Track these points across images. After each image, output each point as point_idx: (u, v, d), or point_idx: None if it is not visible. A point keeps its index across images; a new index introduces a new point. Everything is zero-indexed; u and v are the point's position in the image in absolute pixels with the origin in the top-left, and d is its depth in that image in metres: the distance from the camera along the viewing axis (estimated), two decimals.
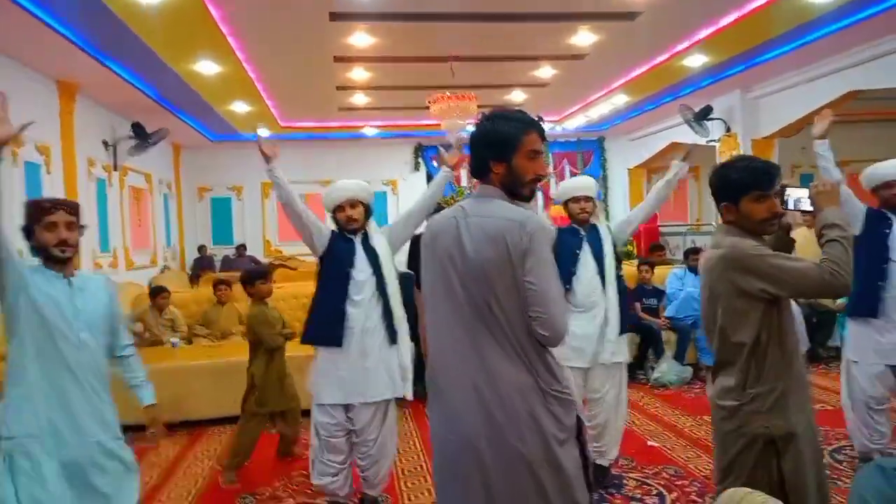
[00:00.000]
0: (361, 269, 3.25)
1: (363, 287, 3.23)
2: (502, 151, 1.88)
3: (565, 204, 3.81)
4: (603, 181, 13.30)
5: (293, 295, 6.97)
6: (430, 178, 12.84)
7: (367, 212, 3.38)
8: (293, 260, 10.43)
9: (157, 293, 6.33)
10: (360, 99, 9.08)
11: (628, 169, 12.95)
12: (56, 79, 6.84)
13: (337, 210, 3.34)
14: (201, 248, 11.74)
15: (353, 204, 3.31)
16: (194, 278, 9.86)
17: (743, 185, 2.08)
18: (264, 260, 10.97)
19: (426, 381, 1.99)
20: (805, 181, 7.06)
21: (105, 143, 8.25)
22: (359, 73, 7.69)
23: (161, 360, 5.33)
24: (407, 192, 12.77)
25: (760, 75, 8.25)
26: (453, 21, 5.95)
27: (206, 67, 6.89)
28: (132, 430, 4.80)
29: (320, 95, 8.71)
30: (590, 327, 3.53)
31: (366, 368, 3.21)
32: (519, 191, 1.91)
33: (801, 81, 8.06)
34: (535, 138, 1.90)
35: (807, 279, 1.96)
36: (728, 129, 9.36)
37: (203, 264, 11.34)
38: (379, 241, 3.36)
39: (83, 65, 6.33)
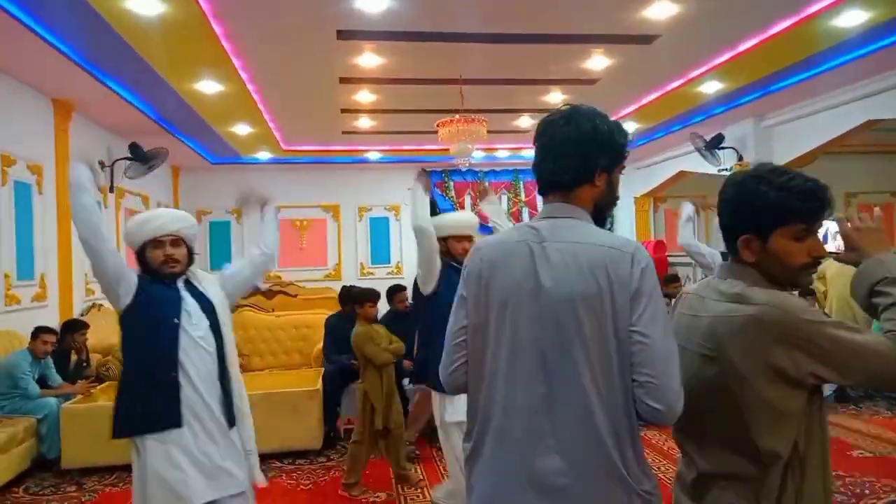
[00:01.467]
0: (194, 324, 2.56)
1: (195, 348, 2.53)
2: (613, 158, 1.51)
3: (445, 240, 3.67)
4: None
5: (293, 324, 6.68)
6: (433, 204, 12.63)
7: (190, 252, 2.72)
8: (293, 286, 10.14)
9: None
10: (364, 122, 8.88)
11: (635, 197, 12.74)
12: (51, 97, 6.62)
13: (149, 246, 2.63)
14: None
15: (175, 241, 2.64)
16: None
17: (781, 213, 1.37)
18: (262, 286, 10.66)
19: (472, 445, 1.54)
20: None
21: (101, 164, 8.00)
22: (364, 96, 7.48)
23: None
24: (410, 217, 12.53)
25: (775, 103, 8.07)
26: (464, 42, 5.75)
27: (208, 87, 6.68)
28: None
29: (324, 118, 8.51)
30: None
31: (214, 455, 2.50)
32: (608, 212, 1.56)
33: (817, 110, 7.88)
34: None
35: (882, 361, 1.27)
36: (740, 158, 9.15)
37: None
38: (213, 290, 2.71)
39: (80, 82, 6.11)
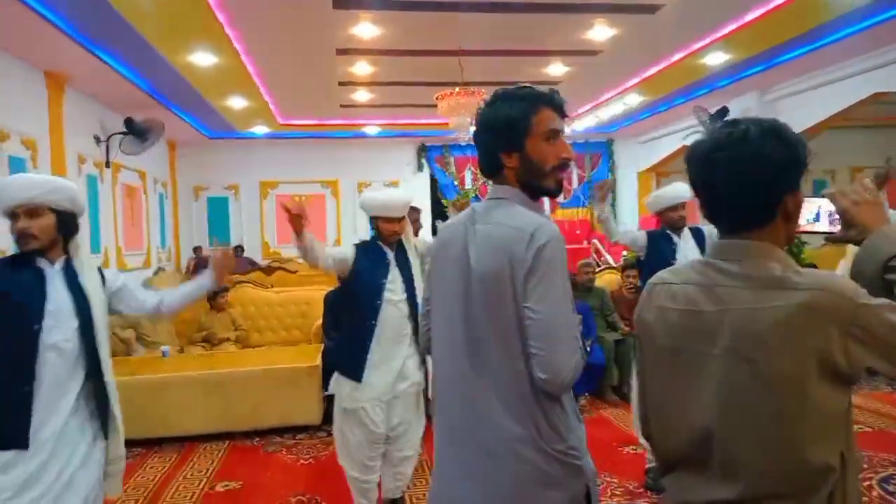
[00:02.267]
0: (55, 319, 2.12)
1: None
2: (511, 138, 1.54)
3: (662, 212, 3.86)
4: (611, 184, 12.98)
5: (292, 300, 6.65)
6: (433, 180, 12.53)
7: (63, 224, 2.20)
8: (292, 262, 10.09)
9: None
10: (362, 96, 8.75)
11: (638, 172, 12.64)
12: (44, 69, 6.49)
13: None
14: (196, 250, 11.39)
15: (30, 211, 2.14)
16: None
17: (799, 171, 1.22)
18: (262, 262, 10.61)
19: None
20: (819, 188, 6.74)
21: (96, 138, 7.90)
22: (362, 68, 7.35)
23: (149, 371, 5.00)
24: (409, 193, 12.43)
25: (780, 75, 7.94)
26: (464, 11, 5.62)
27: (202, 59, 6.55)
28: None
29: (321, 91, 8.37)
30: None
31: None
32: (542, 184, 1.56)
33: (822, 83, 7.75)
34: (549, 115, 1.55)
35: None
36: None
37: (198, 266, 10.99)
38: (90, 274, 2.27)
39: (72, 54, 5.98)
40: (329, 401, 5.19)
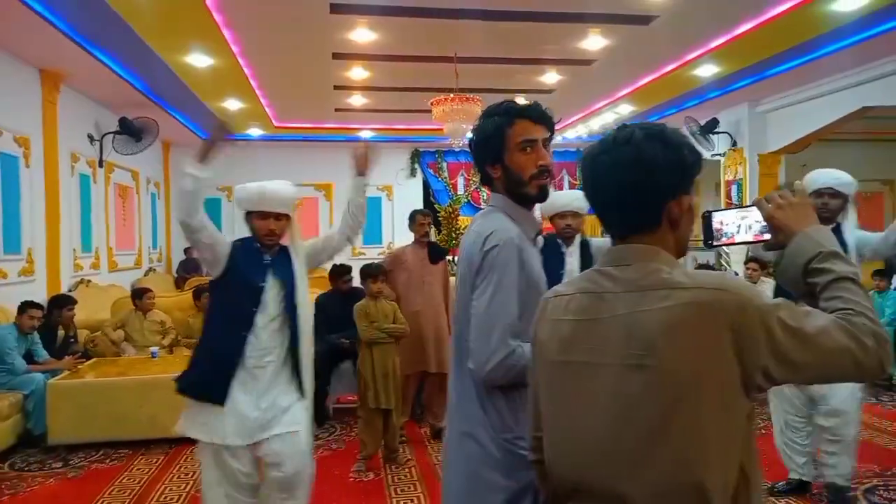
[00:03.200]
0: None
1: None
2: (492, 152, 1.68)
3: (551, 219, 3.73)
4: None
5: None
6: (425, 184, 12.57)
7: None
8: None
9: (141, 294, 6.00)
10: (357, 100, 8.78)
11: None
12: (39, 67, 6.49)
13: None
14: (188, 251, 11.34)
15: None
16: (180, 282, 9.48)
17: (684, 176, 1.18)
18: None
19: None
20: None
21: (90, 137, 7.89)
22: (358, 72, 7.39)
23: (137, 371, 4.99)
24: (402, 197, 12.47)
25: (770, 88, 8.05)
26: (460, 18, 5.67)
27: (199, 60, 6.57)
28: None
29: (317, 95, 8.41)
30: None
31: None
32: (524, 191, 1.68)
33: (811, 96, 7.86)
34: (525, 126, 1.66)
35: (841, 348, 1.03)
36: (734, 144, 9.15)
37: (189, 267, 10.96)
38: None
39: (68, 53, 5.99)
40: (319, 404, 5.21)
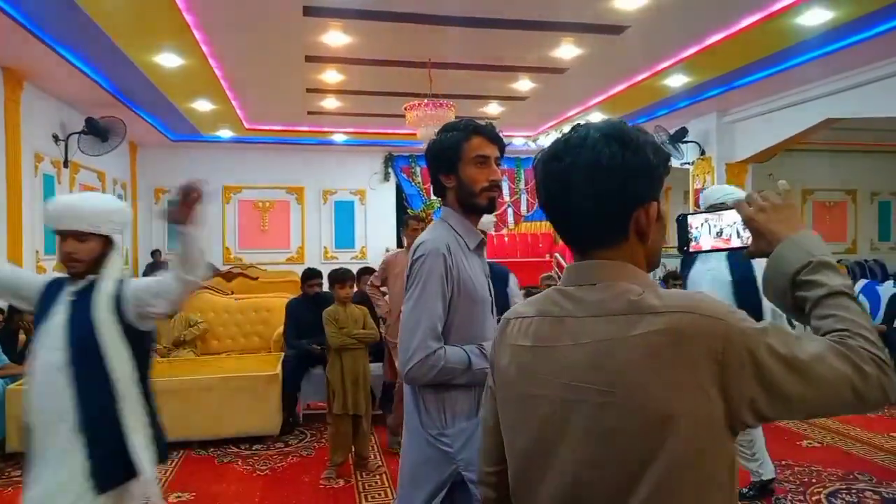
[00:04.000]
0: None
1: None
2: (448, 162, 1.81)
3: None
4: None
5: (253, 307, 6.57)
6: (399, 189, 12.54)
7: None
8: (253, 269, 9.96)
9: None
10: (330, 103, 8.73)
11: None
12: (2, 65, 6.32)
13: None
14: (154, 254, 11.15)
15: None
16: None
17: (650, 179, 1.03)
18: (223, 268, 10.45)
19: None
20: None
21: (55, 138, 7.70)
22: (331, 76, 7.34)
23: None
24: (375, 202, 12.43)
25: (738, 99, 8.20)
26: (434, 24, 5.68)
27: (168, 60, 6.46)
28: None
29: (289, 97, 8.33)
30: None
31: None
32: (474, 202, 1.82)
33: (778, 107, 8.03)
34: (479, 142, 1.80)
35: (839, 376, 0.90)
36: (703, 153, 9.30)
37: (156, 270, 10.75)
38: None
39: (33, 51, 5.85)
40: (289, 411, 5.15)
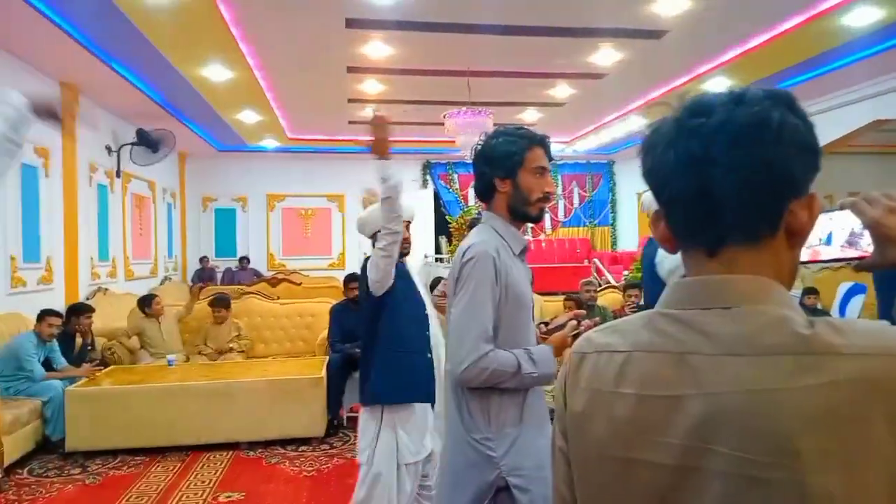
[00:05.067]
0: None
1: None
2: (507, 167, 1.80)
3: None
4: (612, 205, 13.10)
5: (297, 312, 6.72)
6: (436, 196, 12.64)
7: None
8: (297, 275, 10.17)
9: (149, 301, 6.07)
10: (370, 113, 8.86)
11: (637, 193, 12.73)
12: (59, 79, 6.62)
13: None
14: (203, 260, 11.48)
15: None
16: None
17: (815, 165, 0.74)
18: (267, 274, 10.70)
19: None
20: None
21: (108, 149, 8.03)
22: (372, 86, 7.49)
23: (154, 379, 5.06)
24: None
25: None
26: (473, 33, 5.75)
27: (216, 73, 6.68)
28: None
29: (331, 107, 8.51)
30: None
31: None
32: (526, 210, 1.83)
33: (823, 109, 7.84)
34: (540, 154, 1.82)
35: None
36: None
37: (204, 276, 11.08)
38: None
39: (88, 65, 6.12)
40: (333, 414, 5.26)
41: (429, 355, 2.85)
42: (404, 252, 2.90)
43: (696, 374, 0.70)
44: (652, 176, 0.78)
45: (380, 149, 2.63)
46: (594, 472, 0.78)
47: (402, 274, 2.88)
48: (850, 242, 0.94)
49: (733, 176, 0.70)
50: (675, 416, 0.70)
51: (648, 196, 3.11)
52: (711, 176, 0.71)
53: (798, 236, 0.74)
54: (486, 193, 1.86)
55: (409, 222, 2.90)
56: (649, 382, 0.73)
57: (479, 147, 1.86)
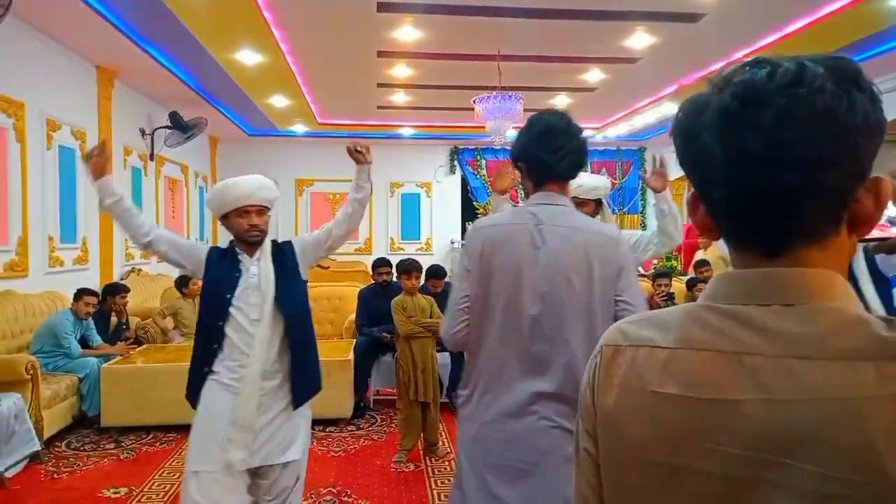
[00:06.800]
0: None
1: None
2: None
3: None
4: (641, 193, 12.91)
5: (325, 295, 6.77)
6: (464, 182, 12.61)
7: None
8: (324, 259, 10.24)
9: (186, 282, 6.16)
10: (399, 97, 8.87)
11: (669, 181, 12.55)
12: (95, 63, 6.73)
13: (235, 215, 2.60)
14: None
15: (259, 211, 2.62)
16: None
17: (879, 144, 0.66)
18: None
19: None
20: None
21: (142, 132, 8.15)
22: (401, 70, 7.47)
23: (186, 359, 5.13)
24: (441, 194, 12.54)
25: None
26: (504, 17, 5.69)
27: (248, 57, 6.72)
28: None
29: (360, 92, 8.52)
30: None
31: None
32: None
33: None
34: None
35: None
36: None
37: None
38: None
39: (123, 49, 6.21)
40: (360, 396, 5.31)
41: None
42: None
43: (755, 377, 0.63)
44: (695, 170, 0.70)
45: (363, 158, 2.82)
46: (631, 478, 0.71)
47: None
48: (892, 222, 0.84)
49: (800, 176, 0.63)
50: (732, 423, 0.63)
51: (589, 180, 2.89)
52: (772, 176, 0.63)
53: (864, 225, 0.66)
54: (573, 176, 1.90)
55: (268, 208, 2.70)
56: (699, 383, 0.66)
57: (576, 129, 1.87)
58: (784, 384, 0.61)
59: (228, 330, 2.48)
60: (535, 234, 1.76)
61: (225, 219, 2.61)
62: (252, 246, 2.62)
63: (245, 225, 2.57)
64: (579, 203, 2.85)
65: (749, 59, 0.67)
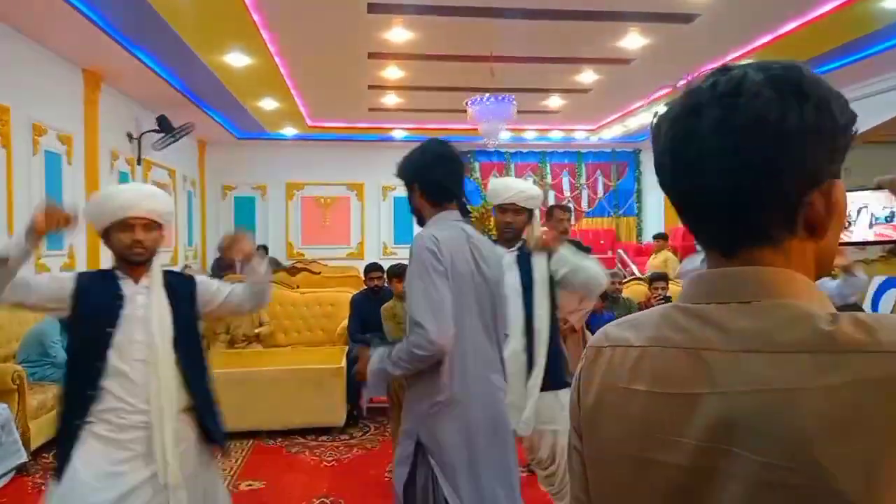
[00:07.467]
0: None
1: None
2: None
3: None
4: (637, 195, 12.90)
5: (317, 301, 6.68)
6: None
7: None
8: (315, 264, 10.16)
9: None
10: (391, 99, 8.80)
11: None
12: (82, 66, 6.62)
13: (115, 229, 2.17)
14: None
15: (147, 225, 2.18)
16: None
17: (835, 148, 0.68)
18: (286, 263, 10.70)
19: None
20: None
21: (129, 136, 8.03)
22: (392, 72, 7.40)
23: None
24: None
25: None
26: (497, 17, 5.63)
27: (236, 60, 6.64)
28: None
29: (351, 94, 8.44)
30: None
31: None
32: None
33: (859, 96, 7.61)
34: None
35: None
36: None
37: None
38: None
39: (110, 52, 6.10)
40: (353, 404, 5.22)
41: None
42: None
43: (710, 371, 0.66)
44: (658, 176, 0.74)
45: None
46: (609, 472, 0.75)
47: None
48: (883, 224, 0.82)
49: (730, 183, 0.66)
50: (691, 416, 0.66)
51: (530, 189, 2.95)
52: (708, 184, 0.68)
53: (819, 227, 0.68)
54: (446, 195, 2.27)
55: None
56: (663, 379, 0.69)
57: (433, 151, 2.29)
58: (732, 377, 0.64)
59: (107, 373, 2.06)
60: (472, 245, 2.10)
61: (106, 235, 2.19)
62: (136, 268, 2.20)
63: (127, 240, 2.14)
64: (517, 210, 2.92)
65: (717, 67, 0.72)
